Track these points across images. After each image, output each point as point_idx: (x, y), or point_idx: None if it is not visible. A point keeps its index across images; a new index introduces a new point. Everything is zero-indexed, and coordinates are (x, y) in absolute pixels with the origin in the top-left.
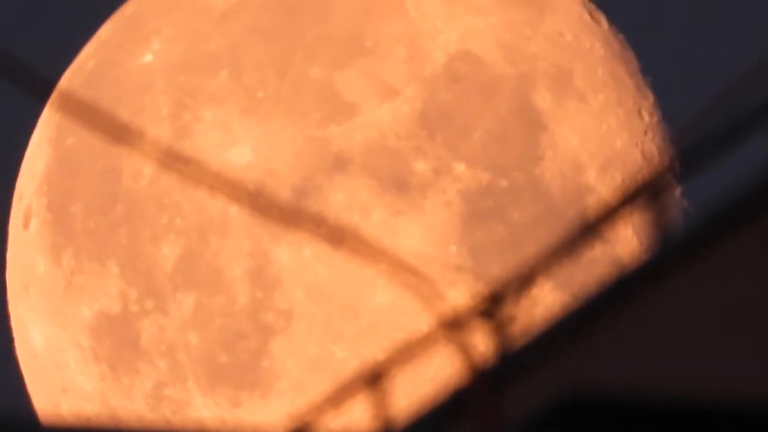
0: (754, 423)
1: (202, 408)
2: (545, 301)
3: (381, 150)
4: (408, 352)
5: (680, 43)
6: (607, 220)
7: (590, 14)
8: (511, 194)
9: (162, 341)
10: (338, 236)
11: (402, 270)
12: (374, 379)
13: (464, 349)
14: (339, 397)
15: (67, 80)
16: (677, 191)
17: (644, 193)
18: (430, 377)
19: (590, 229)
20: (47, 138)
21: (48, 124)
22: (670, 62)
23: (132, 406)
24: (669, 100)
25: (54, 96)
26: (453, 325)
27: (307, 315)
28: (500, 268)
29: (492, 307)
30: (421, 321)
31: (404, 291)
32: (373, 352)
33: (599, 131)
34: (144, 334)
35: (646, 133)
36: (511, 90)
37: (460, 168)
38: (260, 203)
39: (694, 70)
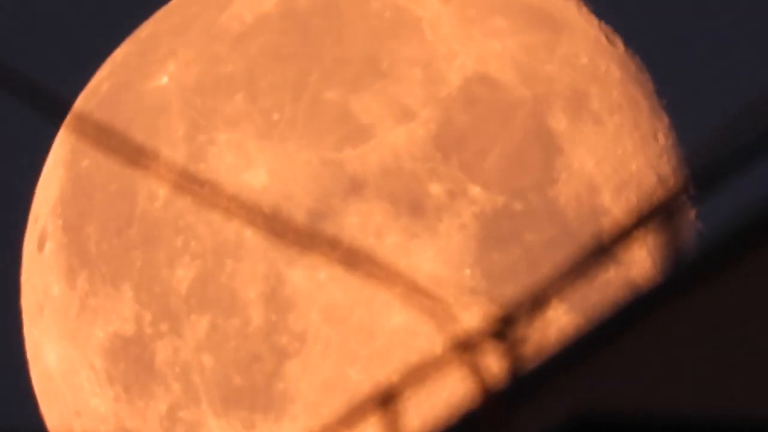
0: None
1: (216, 430)
2: (559, 323)
3: (396, 173)
4: (420, 374)
5: (696, 65)
6: (621, 242)
7: (606, 36)
8: (526, 217)
9: (176, 363)
10: (353, 259)
11: (416, 293)
12: (387, 400)
13: (476, 371)
14: (351, 418)
15: (82, 102)
16: (692, 213)
17: (658, 214)
18: (443, 399)
19: (604, 250)
20: (62, 160)
21: (63, 146)
22: (685, 84)
23: (146, 429)
24: (684, 122)
25: (69, 118)
26: (465, 347)
27: (321, 337)
28: (515, 290)
29: (504, 328)
30: (435, 343)
31: (419, 314)
32: (388, 374)
33: (614, 153)
34: (158, 356)
35: (661, 155)
36: (527, 113)
37: (475, 191)
38: (275, 226)
39: (709, 93)
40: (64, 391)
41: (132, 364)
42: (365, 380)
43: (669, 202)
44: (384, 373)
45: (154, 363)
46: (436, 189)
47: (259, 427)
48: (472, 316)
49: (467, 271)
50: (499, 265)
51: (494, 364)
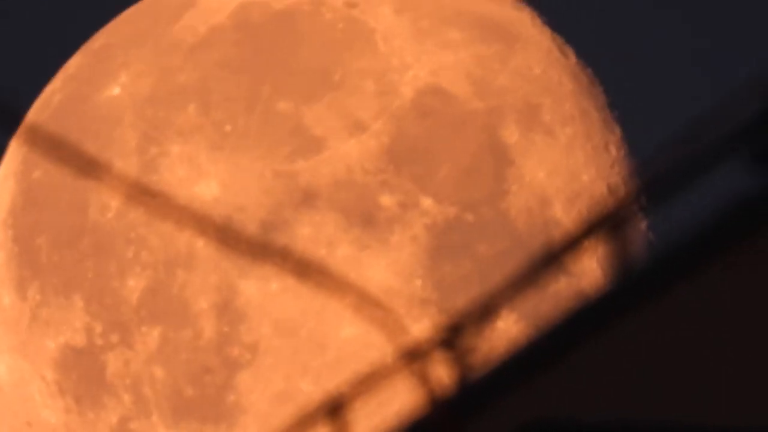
0: None
1: None
2: (509, 333)
3: (348, 184)
4: (368, 383)
5: (648, 77)
6: (569, 251)
7: (559, 48)
8: (478, 229)
9: (127, 375)
10: (305, 270)
11: (368, 303)
12: (335, 410)
13: (425, 380)
14: (300, 429)
15: (34, 113)
16: (643, 224)
17: (607, 224)
18: (392, 408)
19: (552, 259)
20: (13, 171)
21: (14, 157)
22: (637, 96)
23: None
24: (636, 134)
25: (20, 129)
26: (413, 356)
27: (273, 349)
28: (466, 301)
29: (452, 336)
30: (387, 354)
31: (370, 325)
32: (340, 385)
33: (566, 165)
34: (109, 367)
35: (612, 167)
36: (480, 125)
37: (426, 202)
38: (227, 237)
39: (661, 105)
40: (14, 403)
41: (82, 375)
42: (317, 392)
43: (618, 212)
44: (335, 384)
45: (105, 374)
46: (387, 200)
47: None
48: (424, 328)
49: (418, 282)
50: (450, 277)
51: (443, 373)
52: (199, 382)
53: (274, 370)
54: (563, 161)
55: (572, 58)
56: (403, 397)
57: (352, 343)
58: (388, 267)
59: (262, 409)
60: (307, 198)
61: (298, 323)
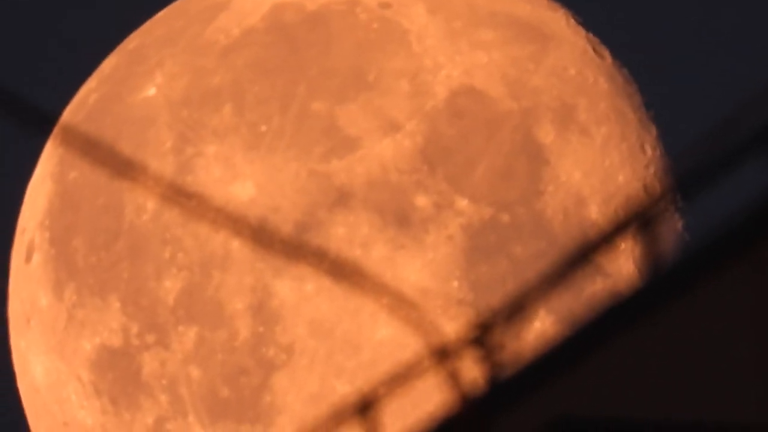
0: None
1: None
2: (546, 334)
3: (383, 184)
4: (399, 381)
5: (683, 77)
6: (601, 249)
7: (594, 48)
8: (513, 229)
9: (163, 375)
10: (340, 271)
11: (403, 304)
12: (366, 408)
13: (455, 378)
14: (331, 426)
15: (70, 114)
16: (678, 223)
17: (639, 222)
18: (422, 406)
19: (584, 257)
20: (49, 172)
21: (50, 158)
22: (673, 96)
23: None
24: (672, 134)
25: (56, 130)
26: (443, 353)
27: (308, 350)
28: (502, 302)
29: (482, 334)
30: (421, 355)
31: (405, 325)
32: (375, 386)
33: (602, 166)
34: (145, 368)
35: (648, 167)
36: (514, 125)
37: (462, 203)
38: (262, 237)
39: (697, 104)
40: (51, 403)
41: (119, 376)
42: (352, 392)
43: (650, 209)
44: (371, 385)
45: (141, 375)
46: (422, 201)
47: None
48: (460, 328)
49: (455, 283)
50: (486, 277)
51: (473, 370)
52: (235, 382)
53: (309, 370)
54: (599, 161)
55: (608, 58)
56: (431, 394)
57: (387, 344)
58: (424, 267)
59: (297, 410)
60: (342, 198)
61: (333, 324)
